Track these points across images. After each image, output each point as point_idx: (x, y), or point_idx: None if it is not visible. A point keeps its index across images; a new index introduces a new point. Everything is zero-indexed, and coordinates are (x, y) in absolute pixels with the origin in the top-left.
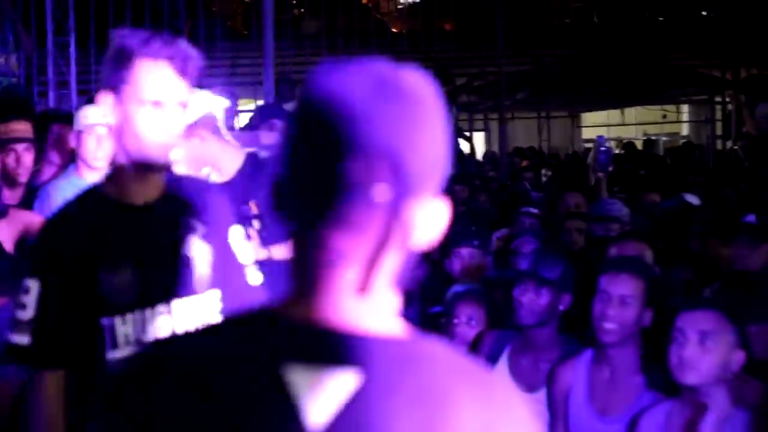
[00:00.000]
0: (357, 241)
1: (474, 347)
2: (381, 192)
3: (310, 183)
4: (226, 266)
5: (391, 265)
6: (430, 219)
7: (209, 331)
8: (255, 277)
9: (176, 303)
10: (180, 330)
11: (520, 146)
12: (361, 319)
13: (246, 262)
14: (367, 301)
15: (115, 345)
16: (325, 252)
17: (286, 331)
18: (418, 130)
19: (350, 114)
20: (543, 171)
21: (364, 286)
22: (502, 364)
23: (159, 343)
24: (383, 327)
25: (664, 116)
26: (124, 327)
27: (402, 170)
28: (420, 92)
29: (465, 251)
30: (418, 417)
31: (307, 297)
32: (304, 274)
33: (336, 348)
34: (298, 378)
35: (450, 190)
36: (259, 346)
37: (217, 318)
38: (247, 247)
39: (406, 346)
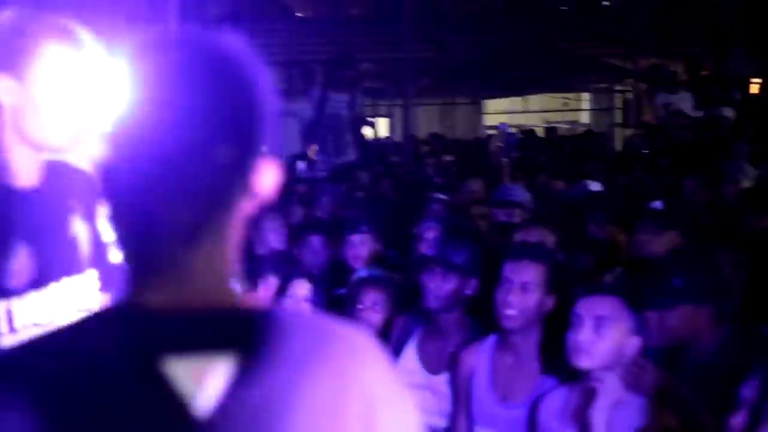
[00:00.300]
0: (208, 211)
1: (384, 332)
2: (227, 154)
3: (152, 154)
4: (97, 245)
5: (240, 232)
6: (268, 180)
7: (73, 332)
8: (116, 256)
9: (66, 282)
10: (71, 309)
11: (424, 133)
12: (224, 295)
13: (108, 241)
14: (224, 275)
15: (12, 329)
16: (174, 227)
17: (153, 322)
18: (255, 93)
19: (188, 80)
20: (445, 157)
21: (219, 259)
22: (411, 348)
23: (22, 347)
24: (243, 300)
25: (566, 104)
26: (20, 310)
27: (245, 132)
28: (249, 58)
29: (356, 238)
30: (305, 388)
31: (163, 281)
32: (154, 256)
33: (210, 330)
34: (177, 369)
35: (353, 176)
36: (128, 343)
37: (97, 298)
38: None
39: (276, 318)
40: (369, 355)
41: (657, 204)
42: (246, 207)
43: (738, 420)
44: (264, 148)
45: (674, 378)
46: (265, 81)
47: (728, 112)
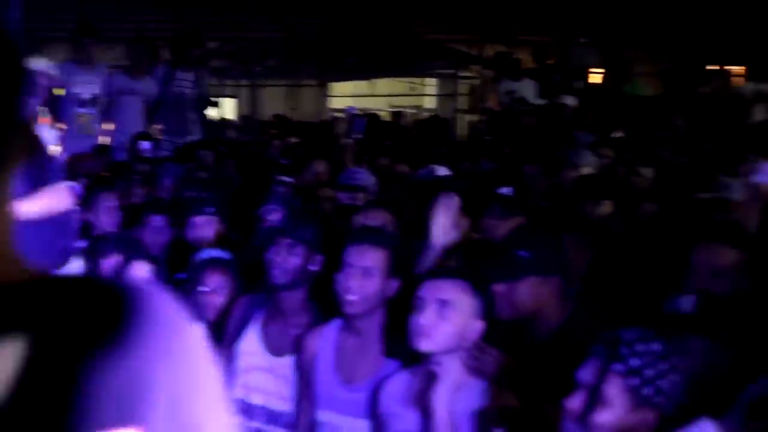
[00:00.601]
0: None
1: (227, 312)
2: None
3: None
4: None
5: (9, 197)
6: (27, 147)
7: None
8: None
9: None
10: None
11: (269, 114)
12: (9, 267)
13: None
14: (4, 246)
15: None
16: None
17: None
18: (12, 61)
19: None
20: (290, 139)
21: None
22: (253, 330)
23: None
24: (37, 272)
25: (412, 89)
26: None
27: (5, 99)
28: None
29: (200, 219)
30: (110, 367)
31: None
32: None
33: None
34: None
35: (196, 155)
36: None
37: None
38: None
39: (68, 291)
40: (185, 325)
41: (505, 190)
42: (11, 174)
43: (575, 403)
44: (22, 116)
45: (514, 361)
46: (18, 50)
47: (570, 101)
